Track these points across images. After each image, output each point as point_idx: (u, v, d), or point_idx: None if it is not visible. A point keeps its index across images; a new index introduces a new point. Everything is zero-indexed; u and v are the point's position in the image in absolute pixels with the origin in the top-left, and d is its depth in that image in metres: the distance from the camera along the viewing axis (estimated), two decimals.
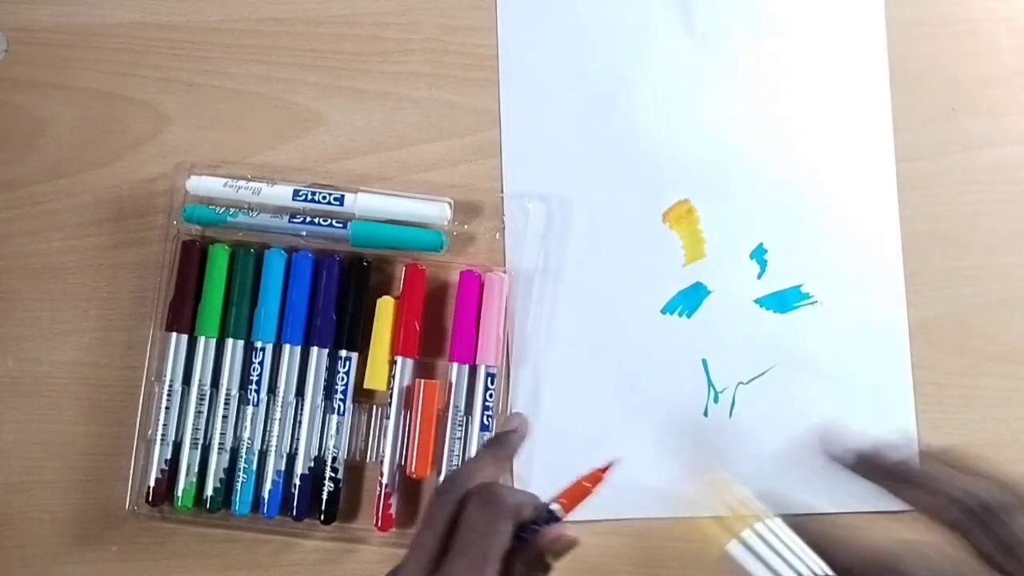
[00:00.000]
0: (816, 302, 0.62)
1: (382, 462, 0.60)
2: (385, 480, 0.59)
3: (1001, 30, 0.64)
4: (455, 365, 0.60)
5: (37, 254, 0.62)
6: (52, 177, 0.63)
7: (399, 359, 0.60)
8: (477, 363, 0.60)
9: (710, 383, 0.62)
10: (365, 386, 0.60)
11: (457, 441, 0.60)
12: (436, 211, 0.60)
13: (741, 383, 0.62)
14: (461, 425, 0.60)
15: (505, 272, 0.61)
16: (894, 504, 0.61)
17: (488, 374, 0.60)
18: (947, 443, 0.61)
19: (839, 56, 0.64)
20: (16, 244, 0.62)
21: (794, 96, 0.63)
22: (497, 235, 0.62)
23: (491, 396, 0.59)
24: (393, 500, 0.59)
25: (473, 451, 0.59)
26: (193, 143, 0.62)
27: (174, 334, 0.60)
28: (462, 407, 0.60)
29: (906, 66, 0.63)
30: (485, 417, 0.59)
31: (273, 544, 0.60)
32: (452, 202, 0.61)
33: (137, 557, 0.61)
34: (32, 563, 0.61)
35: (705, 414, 0.62)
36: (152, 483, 0.59)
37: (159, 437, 0.59)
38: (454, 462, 0.59)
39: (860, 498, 0.61)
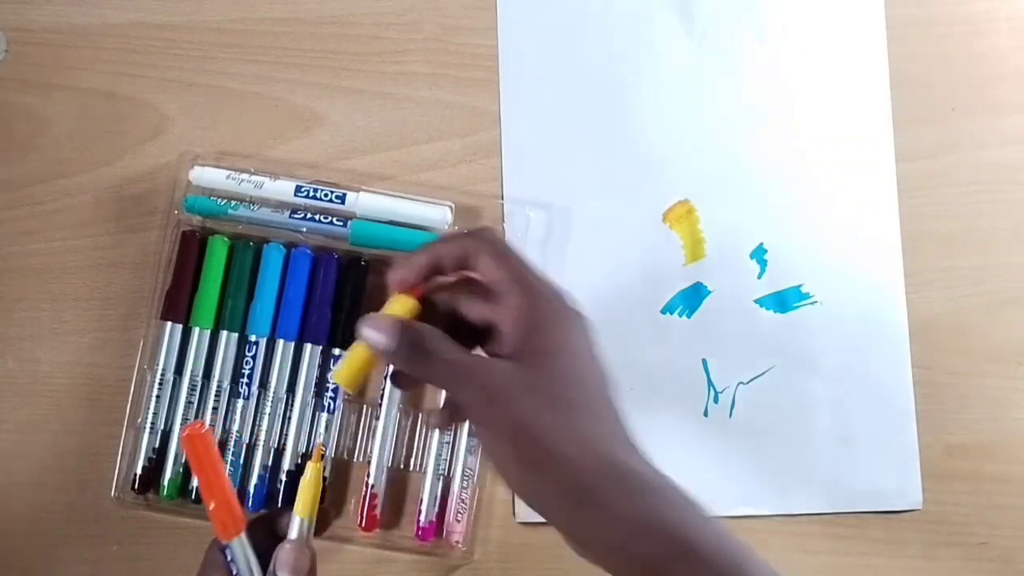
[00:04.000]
0: (816, 302, 0.62)
1: (369, 462, 0.60)
2: (371, 480, 0.59)
3: (1001, 30, 0.64)
4: None
5: (37, 254, 0.62)
6: (52, 177, 0.63)
7: None
8: None
9: (710, 383, 0.62)
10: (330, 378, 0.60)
11: (446, 445, 0.60)
12: (437, 214, 0.60)
13: (741, 383, 0.62)
14: (450, 430, 0.60)
15: None
16: (894, 505, 0.61)
17: None
18: (947, 443, 0.62)
19: (839, 56, 0.64)
20: (16, 244, 0.62)
21: (794, 96, 0.63)
22: None
23: None
24: (379, 501, 0.59)
25: (461, 450, 0.60)
26: (193, 143, 0.62)
27: (169, 323, 0.60)
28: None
29: (906, 66, 0.63)
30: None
31: None
32: (453, 205, 0.61)
33: (137, 556, 0.60)
34: (32, 562, 0.60)
35: (705, 414, 0.62)
36: (139, 470, 0.59)
37: (148, 425, 0.59)
38: (441, 465, 0.60)
39: (860, 498, 0.61)
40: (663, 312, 0.62)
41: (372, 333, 0.44)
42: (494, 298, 0.44)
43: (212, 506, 0.47)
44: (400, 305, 0.45)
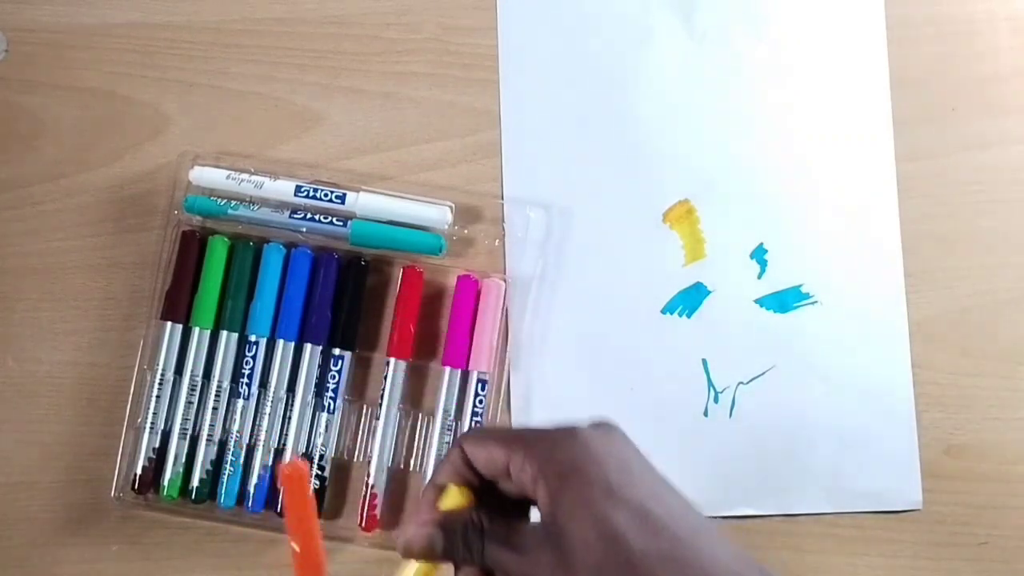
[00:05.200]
0: (816, 302, 0.62)
1: (369, 462, 0.60)
2: (372, 480, 0.59)
3: (1001, 30, 0.64)
4: (447, 369, 0.60)
5: (37, 254, 0.62)
6: (52, 177, 0.63)
7: (392, 360, 0.60)
8: (469, 368, 0.60)
9: (710, 383, 0.62)
10: None
11: (446, 445, 0.60)
12: (437, 214, 0.60)
13: (741, 383, 0.62)
14: (450, 429, 0.60)
15: (504, 279, 0.61)
16: (894, 505, 0.61)
17: (479, 380, 0.60)
18: (947, 443, 0.61)
19: (839, 56, 0.64)
20: (16, 244, 0.62)
21: (794, 96, 0.63)
22: (497, 242, 0.62)
23: (481, 402, 0.60)
24: (379, 501, 0.59)
25: None
26: (193, 143, 0.62)
27: (169, 323, 0.60)
28: (452, 412, 0.60)
29: (906, 66, 0.63)
30: (474, 422, 0.60)
31: (256, 539, 0.60)
32: (453, 206, 0.61)
33: (137, 556, 0.61)
34: (32, 563, 0.60)
35: (705, 414, 0.62)
36: (139, 471, 0.59)
37: (148, 425, 0.59)
38: None
39: (860, 498, 0.61)
40: (663, 312, 0.62)
41: (408, 538, 0.43)
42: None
43: (297, 548, 0.45)
44: (452, 499, 0.44)
